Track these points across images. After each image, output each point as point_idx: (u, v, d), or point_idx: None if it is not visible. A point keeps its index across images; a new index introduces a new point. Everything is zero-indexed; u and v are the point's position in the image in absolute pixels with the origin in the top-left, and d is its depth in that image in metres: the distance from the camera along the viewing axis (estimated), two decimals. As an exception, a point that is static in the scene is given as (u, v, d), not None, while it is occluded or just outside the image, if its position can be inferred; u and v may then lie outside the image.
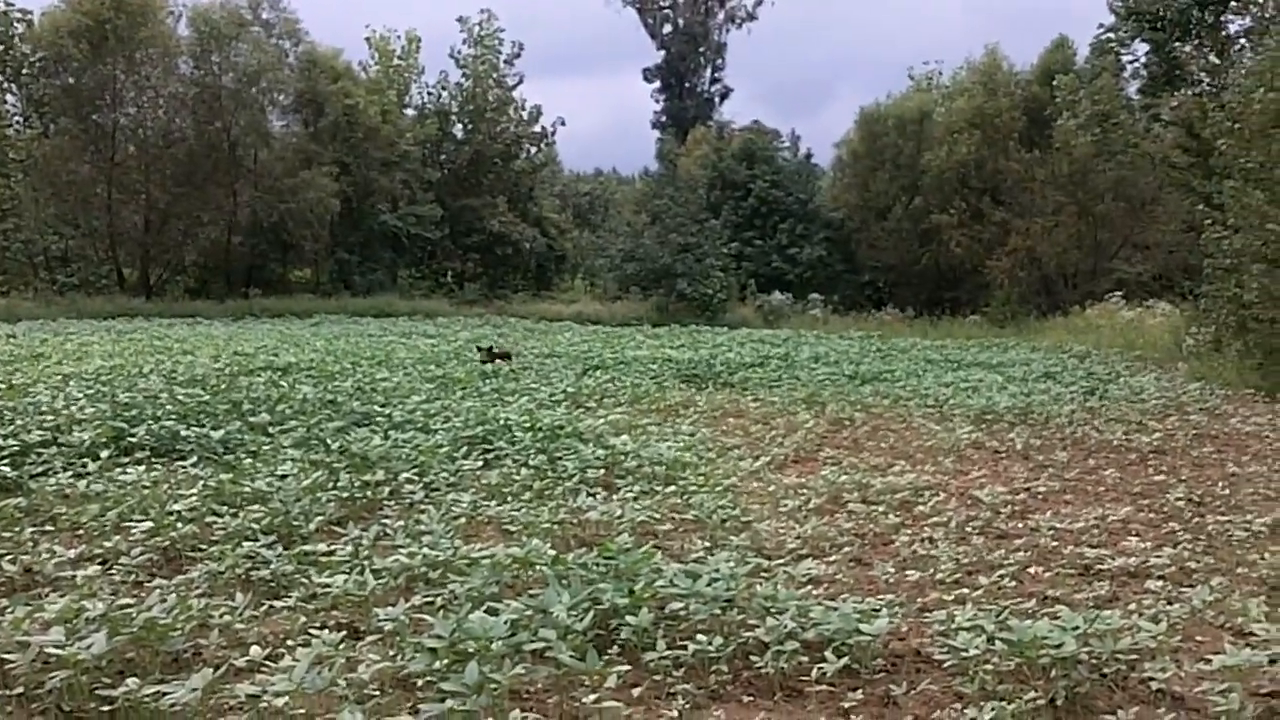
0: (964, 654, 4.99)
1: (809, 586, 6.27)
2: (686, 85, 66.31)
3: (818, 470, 10.07)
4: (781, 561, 6.71)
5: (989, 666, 4.95)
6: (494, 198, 49.84)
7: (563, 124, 53.44)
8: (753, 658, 5.16)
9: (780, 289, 42.24)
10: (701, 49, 66.07)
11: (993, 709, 4.54)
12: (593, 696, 4.59)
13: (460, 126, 51.66)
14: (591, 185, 72.37)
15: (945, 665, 5.10)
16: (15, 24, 40.35)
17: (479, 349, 19.74)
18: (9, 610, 5.32)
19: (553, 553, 6.35)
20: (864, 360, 20.82)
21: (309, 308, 38.50)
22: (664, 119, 65.49)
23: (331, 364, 17.63)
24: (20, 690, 4.73)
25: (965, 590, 6.28)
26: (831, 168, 51.81)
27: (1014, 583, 6.52)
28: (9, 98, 42.44)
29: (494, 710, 4.36)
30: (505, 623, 4.98)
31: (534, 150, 53.36)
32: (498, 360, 18.60)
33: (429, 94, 51.86)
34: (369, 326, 31.83)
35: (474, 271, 50.63)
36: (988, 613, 5.50)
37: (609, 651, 5.16)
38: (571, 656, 4.80)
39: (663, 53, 65.85)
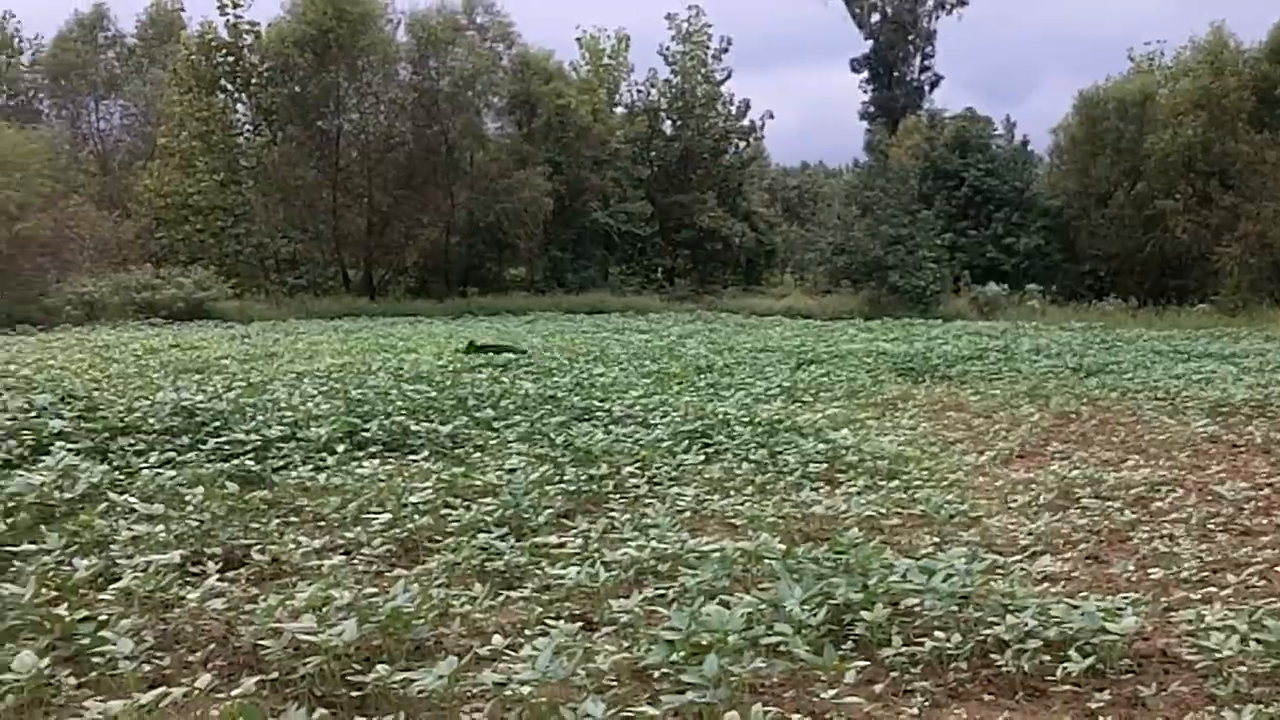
0: (1216, 654, 4.79)
1: (1046, 584, 6.12)
2: (895, 74, 65.10)
3: (1045, 465, 9.82)
4: (1015, 558, 6.56)
5: (1243, 668, 4.75)
6: (703, 193, 49.68)
7: (771, 117, 53.12)
8: (992, 656, 5.05)
9: (996, 280, 41.07)
10: (911, 37, 64.81)
11: (1250, 713, 4.34)
12: (831, 692, 4.56)
13: (669, 123, 51.70)
14: (799, 179, 71.87)
15: (1196, 666, 4.92)
16: (245, 35, 42.22)
17: (472, 344, 19.76)
18: (261, 598, 5.56)
19: (782, 547, 6.35)
20: (1087, 352, 20.13)
21: (524, 305, 39.17)
22: (872, 109, 64.29)
23: (549, 360, 17.96)
24: (275, 675, 4.92)
25: (1212, 589, 6.03)
26: (1048, 154, 50.25)
27: (1263, 581, 6.24)
28: (240, 107, 44.42)
29: (733, 703, 4.36)
30: (740, 616, 4.98)
31: (742, 145, 53.10)
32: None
33: (638, 92, 52.15)
34: (582, 323, 32.22)
35: (684, 267, 50.77)
36: (1239, 612, 5.27)
37: (844, 647, 5.13)
38: (808, 651, 4.79)
39: (870, 42, 64.81)
